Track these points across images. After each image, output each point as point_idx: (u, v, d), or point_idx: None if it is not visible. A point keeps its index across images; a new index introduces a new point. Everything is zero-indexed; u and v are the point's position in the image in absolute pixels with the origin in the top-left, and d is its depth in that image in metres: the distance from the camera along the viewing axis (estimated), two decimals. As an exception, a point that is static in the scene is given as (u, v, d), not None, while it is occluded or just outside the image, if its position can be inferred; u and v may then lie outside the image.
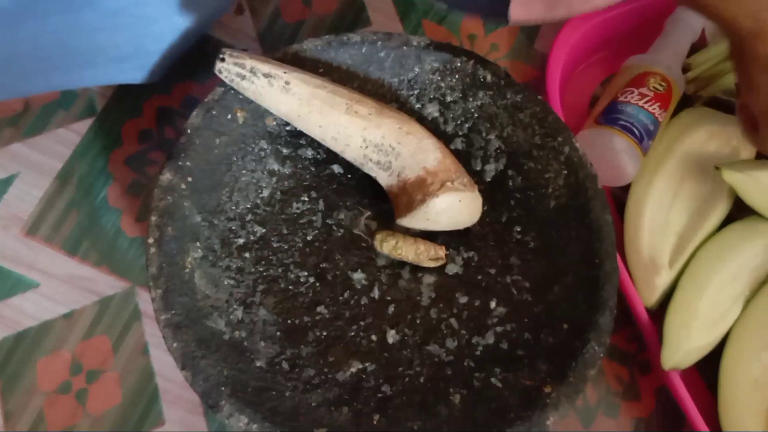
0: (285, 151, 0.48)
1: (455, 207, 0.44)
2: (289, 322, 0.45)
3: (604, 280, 0.43)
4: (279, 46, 0.56)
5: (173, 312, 0.40)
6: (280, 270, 0.46)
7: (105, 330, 0.48)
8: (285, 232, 0.47)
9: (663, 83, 0.52)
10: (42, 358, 0.47)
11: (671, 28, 0.55)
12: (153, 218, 0.42)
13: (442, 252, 0.47)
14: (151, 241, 0.41)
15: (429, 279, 0.47)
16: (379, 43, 0.47)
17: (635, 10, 0.56)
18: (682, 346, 0.46)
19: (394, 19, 0.59)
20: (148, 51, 0.47)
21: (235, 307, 0.43)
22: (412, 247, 0.46)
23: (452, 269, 0.47)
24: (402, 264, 0.47)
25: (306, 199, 0.48)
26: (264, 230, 0.47)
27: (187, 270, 0.42)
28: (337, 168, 0.49)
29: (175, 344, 0.39)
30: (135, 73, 0.48)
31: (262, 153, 0.47)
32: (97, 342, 0.48)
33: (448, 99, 0.49)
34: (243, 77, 0.43)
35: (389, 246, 0.46)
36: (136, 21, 0.44)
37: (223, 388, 0.39)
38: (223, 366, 0.40)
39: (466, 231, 0.48)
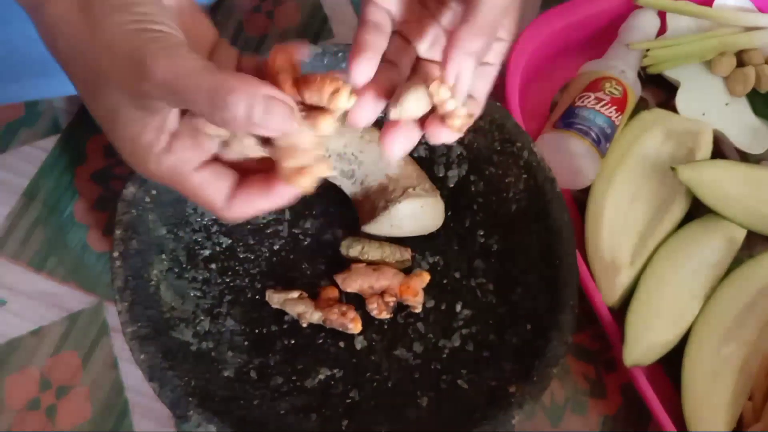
0: (249, 162, 0.49)
1: (418, 212, 0.45)
2: (256, 331, 0.45)
3: (565, 280, 0.44)
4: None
5: (139, 324, 0.40)
6: (246, 280, 0.47)
7: (74, 345, 0.48)
8: (251, 242, 0.48)
9: (618, 87, 0.53)
10: (10, 375, 0.47)
11: (625, 33, 0.56)
12: (117, 232, 0.42)
13: (407, 254, 0.47)
14: (116, 254, 0.41)
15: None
16: (340, 54, 0.48)
17: (592, 18, 0.57)
18: (643, 342, 0.47)
19: (357, 31, 0.59)
20: None
21: (202, 318, 0.44)
22: (378, 251, 0.47)
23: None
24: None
25: (272, 209, 0.49)
26: (230, 241, 0.47)
27: (152, 282, 0.42)
28: (302, 178, 0.50)
29: (142, 356, 0.40)
30: None
31: (227, 165, 0.48)
32: (65, 357, 0.48)
33: (410, 107, 0.50)
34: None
35: (355, 251, 0.47)
36: None
37: (190, 399, 0.39)
38: (190, 376, 0.40)
39: (431, 236, 0.49)
